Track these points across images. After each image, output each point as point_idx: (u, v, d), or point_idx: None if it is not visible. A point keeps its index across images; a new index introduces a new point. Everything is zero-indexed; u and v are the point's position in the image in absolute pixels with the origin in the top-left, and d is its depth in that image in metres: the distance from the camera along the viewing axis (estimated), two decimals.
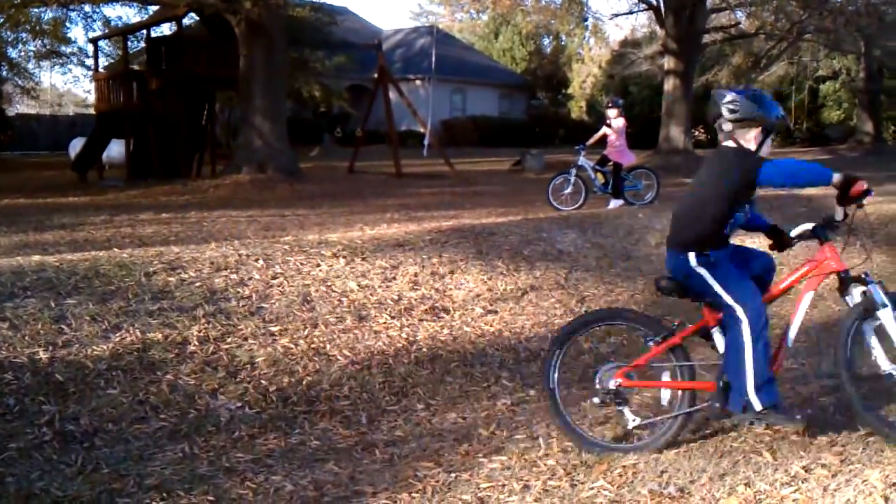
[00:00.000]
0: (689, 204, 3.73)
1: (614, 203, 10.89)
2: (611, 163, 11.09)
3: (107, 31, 24.25)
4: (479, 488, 3.44)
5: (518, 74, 40.05)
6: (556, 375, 3.80)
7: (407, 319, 5.63)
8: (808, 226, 3.72)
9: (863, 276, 3.59)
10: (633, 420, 3.73)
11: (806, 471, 3.20)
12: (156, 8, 19.96)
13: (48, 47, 25.40)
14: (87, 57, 27.07)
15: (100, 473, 3.58)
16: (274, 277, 5.75)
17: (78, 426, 3.92)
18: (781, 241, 3.88)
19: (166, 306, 5.07)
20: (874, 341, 3.53)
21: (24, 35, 22.56)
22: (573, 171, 11.21)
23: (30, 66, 28.86)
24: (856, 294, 3.59)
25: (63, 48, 26.37)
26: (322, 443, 4.09)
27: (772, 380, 3.47)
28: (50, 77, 53.50)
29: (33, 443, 3.75)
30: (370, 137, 23.28)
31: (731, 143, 3.63)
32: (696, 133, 31.50)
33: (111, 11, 38.68)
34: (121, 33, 21.00)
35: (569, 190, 11.17)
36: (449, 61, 32.47)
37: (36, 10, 17.79)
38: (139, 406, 4.17)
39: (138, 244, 8.09)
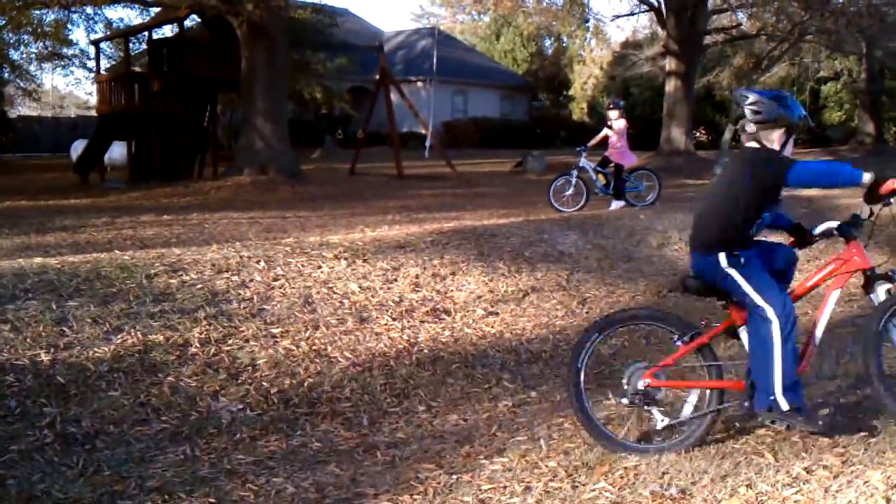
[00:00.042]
0: (715, 205, 3.72)
1: (616, 204, 10.89)
2: (612, 164, 11.09)
3: (108, 32, 24.26)
4: (480, 490, 3.44)
5: (519, 76, 40.05)
6: (582, 377, 3.73)
7: (408, 321, 5.63)
8: (833, 224, 3.74)
9: (890, 273, 3.60)
10: (662, 420, 3.70)
11: (807, 472, 3.19)
12: (157, 10, 19.99)
13: (50, 49, 25.44)
14: (89, 59, 27.13)
15: (101, 475, 3.58)
16: (275, 279, 5.76)
17: (79, 428, 3.92)
18: (803, 239, 3.90)
19: (168, 308, 5.07)
20: None
21: (25, 37, 22.58)
22: (574, 173, 11.21)
23: (31, 67, 28.90)
24: (881, 292, 3.60)
25: (65, 50, 26.41)
26: (323, 444, 4.09)
27: (798, 381, 3.49)
28: (52, 79, 53.76)
29: (34, 445, 3.75)
30: (371, 139, 23.30)
31: (754, 144, 3.64)
32: (697, 134, 31.54)
33: (113, 13, 38.67)
34: (122, 35, 21.01)
35: (570, 191, 11.16)
36: (450, 63, 32.48)
37: (38, 11, 17.82)
38: (140, 408, 4.17)
39: (140, 246, 8.10)
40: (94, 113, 24.53)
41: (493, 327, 5.83)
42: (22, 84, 29.53)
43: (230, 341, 4.89)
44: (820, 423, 3.47)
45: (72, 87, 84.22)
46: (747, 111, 3.59)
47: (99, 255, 6.19)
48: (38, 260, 5.84)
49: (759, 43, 22.75)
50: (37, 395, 4.06)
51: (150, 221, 10.73)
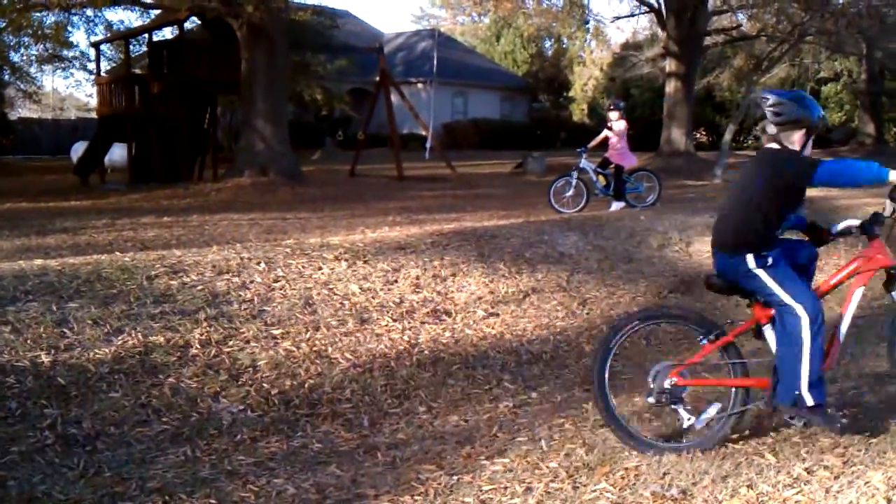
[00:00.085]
0: (740, 206, 3.72)
1: (616, 205, 10.89)
2: (612, 165, 11.09)
3: (109, 35, 24.27)
4: (481, 491, 3.44)
5: (519, 77, 40.06)
6: (606, 375, 3.73)
7: (409, 322, 5.63)
8: (855, 222, 3.77)
9: None
10: (689, 419, 3.70)
11: (808, 472, 3.19)
12: (158, 12, 20.01)
13: (50, 51, 25.44)
14: (89, 61, 27.13)
15: (102, 477, 3.58)
16: (276, 281, 5.75)
17: (80, 429, 3.92)
18: (820, 238, 3.91)
19: (168, 310, 5.07)
20: None
21: (26, 39, 22.57)
22: (575, 174, 11.21)
23: (32, 70, 28.87)
24: None
25: (65, 52, 26.40)
26: (324, 446, 4.09)
27: (823, 378, 3.52)
28: (52, 81, 53.54)
29: (35, 446, 3.75)
30: (372, 140, 23.32)
31: (774, 146, 3.66)
32: (698, 135, 31.54)
33: (113, 15, 38.89)
34: (123, 37, 21.02)
35: (570, 192, 11.17)
36: (450, 64, 32.49)
37: (38, 14, 17.82)
38: (141, 409, 4.17)
39: (140, 248, 8.11)
40: (94, 115, 24.51)
41: (493, 328, 5.83)
42: (22, 86, 29.55)
43: (231, 342, 4.89)
44: (838, 423, 3.49)
45: (72, 89, 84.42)
46: (768, 112, 3.61)
47: (99, 256, 6.19)
48: (39, 262, 5.84)
49: (759, 44, 22.75)
50: (37, 397, 4.06)
51: (151, 223, 10.73)
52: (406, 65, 34.68)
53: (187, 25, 20.02)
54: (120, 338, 4.67)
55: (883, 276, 3.73)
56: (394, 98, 19.29)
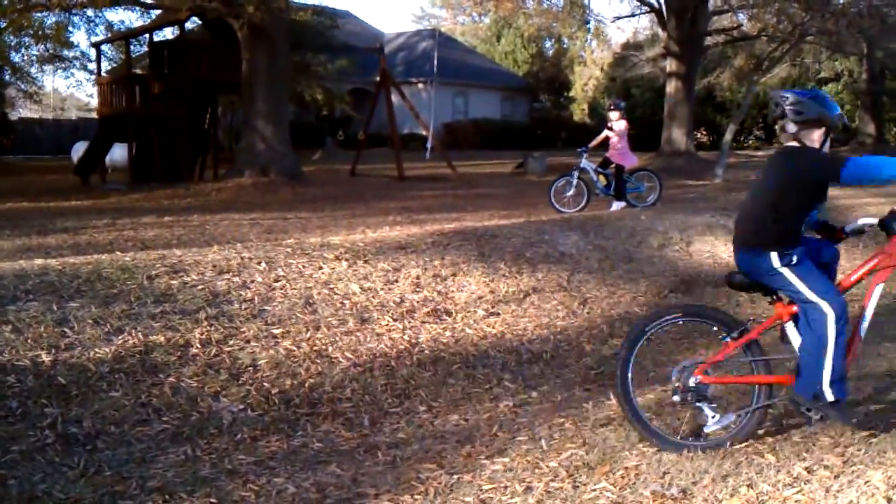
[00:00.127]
0: (762, 205, 3.72)
1: (616, 205, 10.89)
2: (613, 165, 11.09)
3: (109, 35, 24.31)
4: (481, 490, 3.44)
5: (520, 77, 40.06)
6: (630, 374, 3.73)
7: (409, 322, 5.63)
8: (872, 220, 3.77)
9: None
10: (713, 417, 3.70)
11: (808, 472, 3.19)
12: (158, 12, 20.01)
13: (51, 51, 25.51)
14: (90, 61, 27.18)
15: (102, 476, 3.58)
16: (276, 280, 5.76)
17: (80, 429, 3.93)
18: (832, 237, 3.92)
19: (168, 309, 5.07)
20: None
21: (26, 39, 22.65)
22: (575, 174, 11.21)
23: (32, 70, 28.94)
24: None
25: (66, 52, 26.48)
26: (324, 445, 4.09)
27: (844, 375, 3.53)
28: (53, 81, 53.73)
29: (36, 445, 3.75)
30: (372, 140, 23.31)
31: (795, 144, 3.68)
32: (698, 135, 31.53)
33: (114, 16, 38.91)
34: (123, 37, 21.04)
35: (571, 192, 11.17)
36: (451, 64, 32.49)
37: (39, 14, 17.85)
38: (141, 408, 4.18)
39: (141, 247, 8.11)
40: (94, 115, 24.53)
41: (493, 328, 5.83)
42: (23, 86, 29.58)
43: (231, 342, 4.89)
44: (854, 419, 3.53)
45: (73, 90, 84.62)
46: (788, 111, 3.63)
47: (100, 256, 6.20)
48: (40, 261, 5.85)
49: (759, 44, 22.73)
50: (38, 396, 4.07)
51: (151, 223, 10.73)
52: (407, 65, 34.68)
53: (188, 26, 20.04)
54: (120, 337, 4.67)
55: None
56: (394, 98, 19.29)
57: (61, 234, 9.52)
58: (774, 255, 3.60)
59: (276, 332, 5.10)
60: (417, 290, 6.12)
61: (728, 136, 19.27)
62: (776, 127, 3.75)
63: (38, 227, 9.98)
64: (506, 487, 3.43)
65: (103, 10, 22.10)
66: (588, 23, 31.00)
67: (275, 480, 3.62)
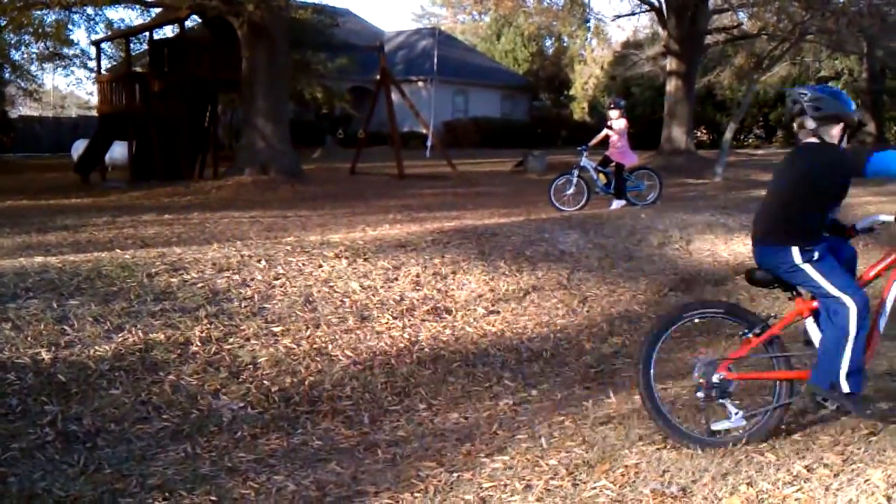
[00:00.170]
0: (782, 201, 3.73)
1: (616, 203, 10.89)
2: (613, 163, 11.09)
3: (109, 33, 24.30)
4: (481, 488, 3.44)
5: (520, 76, 40.06)
6: (652, 370, 3.72)
7: (409, 320, 5.63)
8: (888, 217, 3.77)
9: None
10: (736, 413, 3.70)
11: (808, 470, 3.19)
12: (158, 10, 20.00)
13: (51, 49, 25.50)
14: (90, 59, 27.18)
15: (102, 473, 3.58)
16: (276, 278, 5.76)
17: (80, 426, 3.93)
18: (843, 234, 3.93)
19: (168, 307, 5.07)
20: None
21: (26, 37, 22.64)
22: (575, 172, 11.20)
23: (33, 68, 28.97)
24: None
25: (66, 50, 26.46)
26: (324, 443, 4.09)
27: (861, 368, 3.55)
28: (52, 79, 53.80)
29: (36, 443, 3.75)
30: (372, 139, 23.32)
31: (814, 140, 3.68)
32: (698, 134, 31.53)
33: (114, 14, 38.81)
34: (123, 35, 21.03)
35: (571, 191, 11.16)
36: (451, 63, 32.49)
37: (39, 12, 17.84)
38: (141, 406, 4.18)
39: (141, 245, 8.11)
40: (94, 113, 24.56)
41: (493, 326, 5.83)
42: (23, 84, 29.61)
43: (231, 340, 4.89)
44: (868, 411, 3.56)
45: (73, 88, 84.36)
46: (807, 107, 3.64)
47: (100, 254, 6.20)
48: (40, 259, 5.85)
49: (759, 42, 22.72)
50: (38, 394, 4.07)
51: (151, 221, 10.73)
52: (407, 63, 34.66)
53: (188, 24, 20.03)
54: (120, 335, 4.67)
55: None
56: (394, 96, 19.29)
57: (61, 231, 9.52)
58: (796, 251, 3.61)
59: (275, 329, 5.10)
60: (417, 288, 6.12)
61: (728, 135, 19.28)
62: (794, 124, 3.75)
63: (38, 225, 9.98)
64: (505, 485, 3.43)
65: (103, 8, 22.10)
66: (588, 21, 31.06)
67: (275, 478, 3.62)
